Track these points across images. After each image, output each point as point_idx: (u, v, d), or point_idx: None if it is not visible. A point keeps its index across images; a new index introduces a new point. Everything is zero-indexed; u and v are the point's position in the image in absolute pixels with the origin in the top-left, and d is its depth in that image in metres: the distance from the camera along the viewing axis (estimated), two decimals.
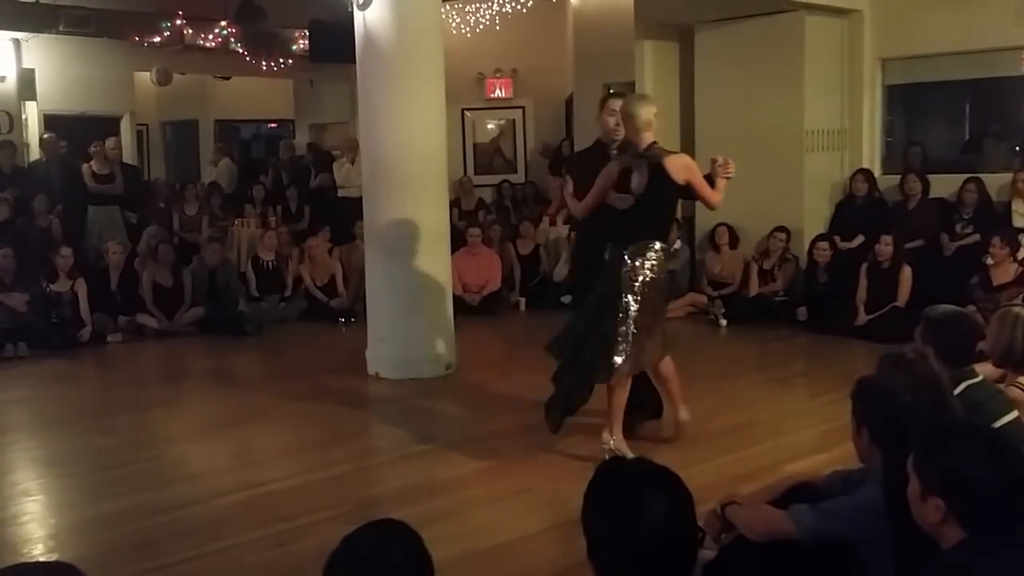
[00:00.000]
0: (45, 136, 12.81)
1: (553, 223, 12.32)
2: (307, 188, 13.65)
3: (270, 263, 11.23)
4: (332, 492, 5.37)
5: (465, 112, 14.23)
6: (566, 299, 11.12)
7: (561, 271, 11.31)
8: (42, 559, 4.44)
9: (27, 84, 13.74)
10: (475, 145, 14.56)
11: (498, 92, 14.37)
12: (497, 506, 5.18)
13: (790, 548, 3.14)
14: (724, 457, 5.72)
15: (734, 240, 10.64)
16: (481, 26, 12.84)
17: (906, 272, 9.18)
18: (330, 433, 6.51)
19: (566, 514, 4.48)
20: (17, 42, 13.47)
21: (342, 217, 11.95)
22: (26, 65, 13.68)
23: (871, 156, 10.81)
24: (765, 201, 10.34)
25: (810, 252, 10.05)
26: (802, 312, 9.79)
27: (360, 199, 8.73)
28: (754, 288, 10.34)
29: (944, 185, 9.99)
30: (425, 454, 6.07)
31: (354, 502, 5.18)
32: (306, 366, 8.80)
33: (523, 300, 11.59)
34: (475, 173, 14.21)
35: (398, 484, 5.59)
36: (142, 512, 5.14)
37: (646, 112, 5.56)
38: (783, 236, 10.27)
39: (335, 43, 10.84)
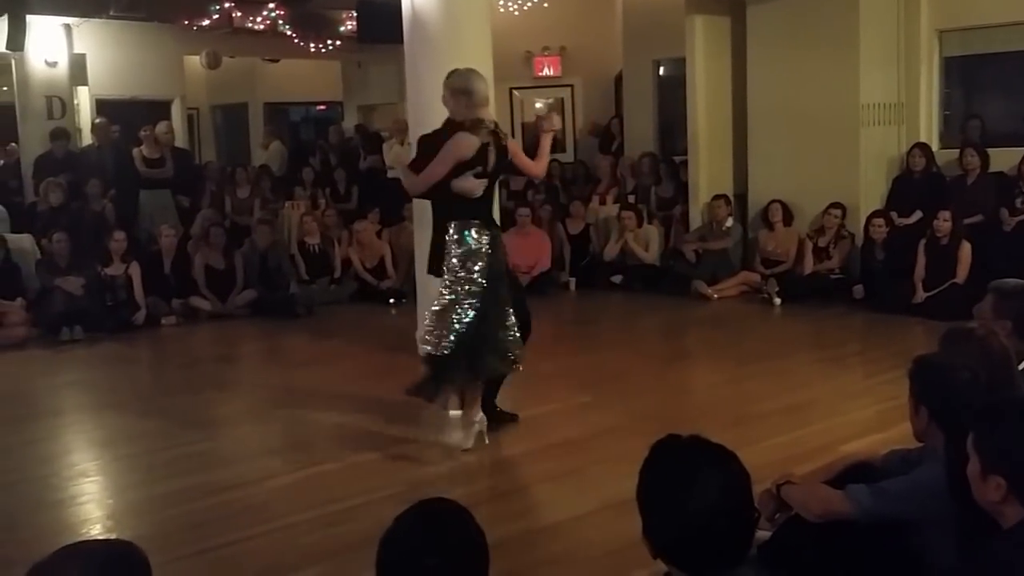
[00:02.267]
0: (97, 121, 12.95)
1: (603, 202, 12.25)
2: (356, 170, 13.68)
3: (315, 247, 11.24)
4: (384, 473, 5.37)
5: (513, 91, 14.15)
6: (616, 279, 11.15)
7: (611, 251, 11.25)
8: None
9: (78, 69, 13.85)
10: (523, 124, 14.46)
11: (546, 71, 14.27)
12: (549, 486, 5.17)
13: (847, 528, 3.10)
14: (778, 437, 5.64)
15: (788, 217, 10.49)
16: (529, 3, 12.74)
17: (965, 248, 8.99)
18: (381, 414, 6.49)
19: (618, 494, 4.40)
20: (68, 27, 13.59)
21: (391, 198, 11.93)
22: (77, 50, 13.78)
23: (928, 130, 10.59)
24: (820, 177, 10.21)
25: (866, 229, 9.86)
26: (858, 290, 9.63)
27: None
28: (809, 266, 10.19)
29: (1004, 159, 9.76)
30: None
31: (406, 483, 5.17)
32: (357, 348, 8.82)
33: (573, 280, 11.53)
34: (523, 152, 14.08)
35: (449, 465, 5.56)
36: (196, 493, 5.18)
37: (486, 86, 5.50)
38: (838, 212, 10.09)
39: (383, 23, 10.79)
